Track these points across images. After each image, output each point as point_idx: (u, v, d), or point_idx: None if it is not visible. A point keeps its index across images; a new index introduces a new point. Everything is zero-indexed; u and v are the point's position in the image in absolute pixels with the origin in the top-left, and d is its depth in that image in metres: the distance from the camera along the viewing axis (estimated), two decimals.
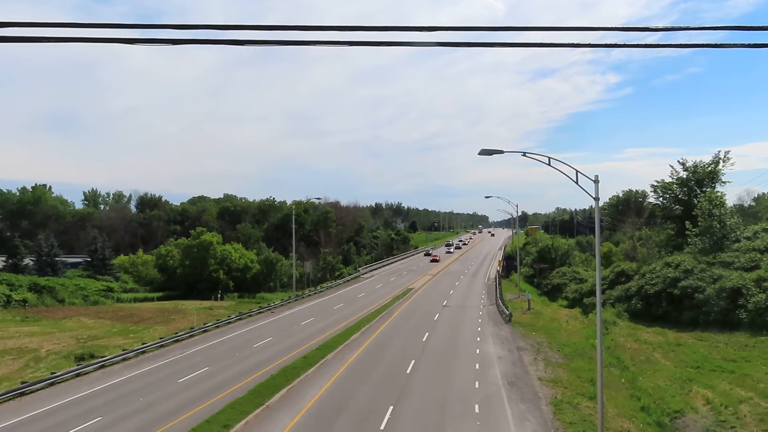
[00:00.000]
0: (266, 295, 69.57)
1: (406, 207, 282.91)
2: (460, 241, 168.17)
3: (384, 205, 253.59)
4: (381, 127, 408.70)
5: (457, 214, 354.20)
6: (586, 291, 58.77)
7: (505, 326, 43.61)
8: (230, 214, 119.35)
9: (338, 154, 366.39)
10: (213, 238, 75.13)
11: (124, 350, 34.34)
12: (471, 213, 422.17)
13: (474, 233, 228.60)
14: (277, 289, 75.80)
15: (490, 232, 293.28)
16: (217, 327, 44.41)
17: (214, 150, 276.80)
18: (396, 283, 73.65)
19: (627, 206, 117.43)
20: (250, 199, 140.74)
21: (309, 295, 64.73)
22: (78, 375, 29.53)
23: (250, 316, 50.09)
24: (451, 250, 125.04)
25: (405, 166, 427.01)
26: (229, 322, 46.53)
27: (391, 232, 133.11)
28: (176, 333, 40.48)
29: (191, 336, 40.55)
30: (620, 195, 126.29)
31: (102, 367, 31.25)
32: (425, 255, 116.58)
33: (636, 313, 47.01)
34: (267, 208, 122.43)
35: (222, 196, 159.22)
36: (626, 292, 50.18)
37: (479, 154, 20.33)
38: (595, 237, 22.27)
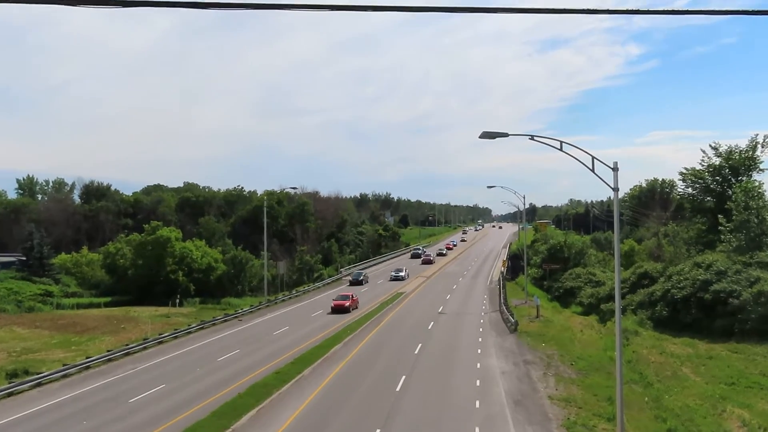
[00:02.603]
0: (233, 300, 69.66)
1: (395, 198, 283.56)
2: (452, 243, 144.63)
3: (370, 196, 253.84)
4: (366, 106, 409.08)
5: (455, 206, 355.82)
6: (604, 295, 59.03)
7: (510, 336, 43.79)
8: (191, 206, 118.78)
9: (317, 136, 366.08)
10: (171, 233, 74.58)
11: (64, 365, 34.11)
12: (471, 205, 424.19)
13: (466, 231, 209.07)
14: (246, 293, 75.61)
15: (494, 225, 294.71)
16: (176, 338, 44.32)
17: (173, 131, 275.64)
18: (384, 286, 74.09)
19: (651, 198, 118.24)
20: (215, 189, 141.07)
21: (283, 300, 64.90)
22: (10, 395, 29.29)
23: (214, 324, 50.16)
24: (431, 258, 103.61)
25: (394, 150, 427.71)
26: (190, 332, 46.46)
27: (379, 228, 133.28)
28: (127, 345, 40.33)
29: (145, 348, 40.41)
30: (643, 185, 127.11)
31: (38, 385, 31.01)
32: (413, 257, 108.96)
33: (661, 321, 47.39)
34: (234, 199, 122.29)
35: (182, 185, 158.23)
36: (650, 297, 50.54)
37: (480, 137, 20.30)
38: (613, 233, 22.23)
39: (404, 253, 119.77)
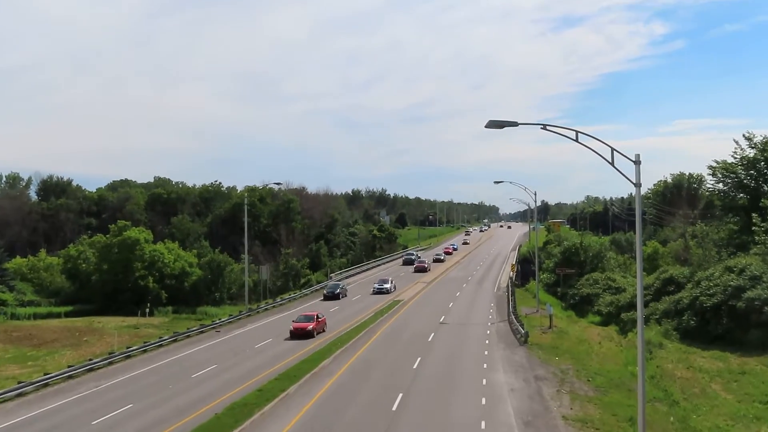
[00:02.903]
0: (210, 309, 69.93)
1: (391, 195, 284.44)
2: (452, 246, 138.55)
3: (363, 193, 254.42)
4: (358, 92, 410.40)
5: (458, 204, 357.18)
6: (625, 303, 59.22)
7: (520, 349, 43.99)
8: (163, 204, 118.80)
9: (303, 125, 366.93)
10: (140, 234, 74.59)
11: (20, 383, 33.99)
12: (476, 203, 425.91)
13: (469, 232, 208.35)
14: (225, 301, 76.05)
15: (501, 225, 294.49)
16: (145, 351, 44.28)
17: (142, 120, 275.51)
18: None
19: (677, 194, 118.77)
20: (189, 184, 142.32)
21: (266, 309, 65.15)
22: None
23: (189, 336, 50.23)
24: (426, 265, 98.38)
25: (390, 142, 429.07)
26: (161, 345, 46.44)
27: (373, 228, 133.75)
28: (90, 360, 40.12)
29: (110, 363, 40.33)
30: (668, 180, 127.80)
31: None
32: (404, 263, 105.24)
33: (688, 332, 47.52)
34: (211, 195, 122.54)
35: (152, 180, 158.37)
36: (676, 305, 50.73)
37: (486, 126, 20.32)
38: (635, 234, 22.31)
39: (401, 256, 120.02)
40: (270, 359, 40.79)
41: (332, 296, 71.14)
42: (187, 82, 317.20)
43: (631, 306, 55.88)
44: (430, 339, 47.70)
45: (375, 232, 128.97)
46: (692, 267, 58.11)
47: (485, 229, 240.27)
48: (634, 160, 19.95)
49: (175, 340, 48.23)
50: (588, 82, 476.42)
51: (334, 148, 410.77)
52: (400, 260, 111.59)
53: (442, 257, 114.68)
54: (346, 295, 73.11)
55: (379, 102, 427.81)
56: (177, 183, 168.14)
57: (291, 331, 48.77)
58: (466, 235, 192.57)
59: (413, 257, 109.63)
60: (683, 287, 53.28)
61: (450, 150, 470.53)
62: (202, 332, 52.05)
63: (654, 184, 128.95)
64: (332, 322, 53.99)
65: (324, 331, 50.95)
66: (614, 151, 19.97)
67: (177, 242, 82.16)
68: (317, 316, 51.19)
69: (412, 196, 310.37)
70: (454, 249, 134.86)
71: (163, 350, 45.08)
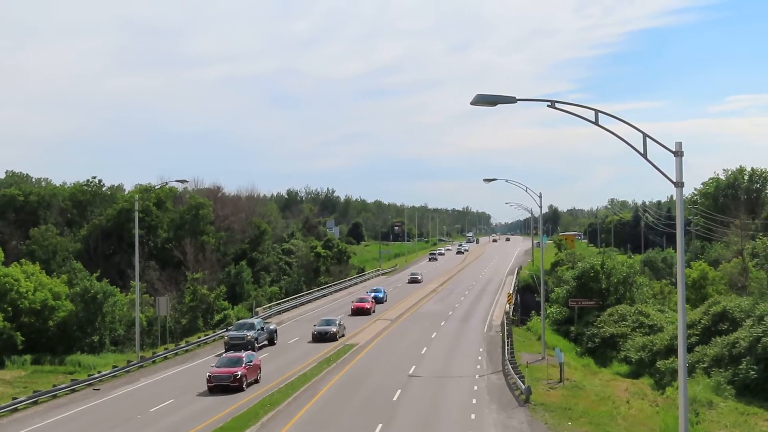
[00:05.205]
0: (86, 358, 68.59)
1: (341, 197, 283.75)
2: (372, 295, 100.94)
3: (303, 194, 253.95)
4: (296, 52, 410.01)
5: (435, 210, 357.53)
6: (662, 347, 59.50)
7: (519, 411, 43.93)
8: (18, 210, 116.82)
9: (218, 100, 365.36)
10: None
11: None
12: (460, 209, 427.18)
13: (434, 256, 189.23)
14: (107, 347, 74.80)
15: (495, 238, 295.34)
16: None
17: None
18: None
19: (732, 197, 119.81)
20: (56, 183, 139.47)
21: (165, 357, 64.41)
22: None
23: (56, 397, 49.31)
24: (331, 330, 73.22)
25: (339, 123, 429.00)
26: (15, 410, 45.48)
27: (317, 243, 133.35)
28: None
29: None
30: (720, 177, 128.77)
31: None
32: (364, 296, 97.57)
33: (747, 387, 47.92)
34: (88, 198, 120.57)
35: (2, 177, 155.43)
36: (731, 350, 51.11)
37: (473, 103, 20.39)
38: (676, 252, 22.33)
39: (359, 282, 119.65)
40: (172, 429, 40.29)
41: (237, 344, 62.95)
42: (54, 36, 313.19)
43: (671, 351, 55.84)
44: (395, 398, 47.53)
45: (319, 249, 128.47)
46: (752, 297, 58.76)
47: (464, 250, 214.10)
48: (674, 150, 20.04)
49: (35, 403, 47.14)
50: (611, 42, 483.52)
51: (262, 132, 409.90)
52: (373, 277, 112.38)
53: (368, 304, 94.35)
54: (273, 342, 69.90)
55: (325, 67, 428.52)
56: (38, 180, 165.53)
57: (208, 384, 48.66)
58: (431, 257, 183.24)
59: (370, 297, 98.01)
60: (740, 325, 53.82)
61: (423, 135, 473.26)
62: (74, 390, 51.20)
63: (702, 184, 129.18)
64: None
65: (258, 381, 51.27)
66: (647, 138, 20.02)
67: (38, 264, 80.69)
68: (245, 359, 50.67)
69: (370, 200, 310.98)
70: (374, 299, 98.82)
71: (17, 418, 44.09)
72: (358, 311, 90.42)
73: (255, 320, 71.49)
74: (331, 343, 69.89)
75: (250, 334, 65.05)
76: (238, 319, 76.26)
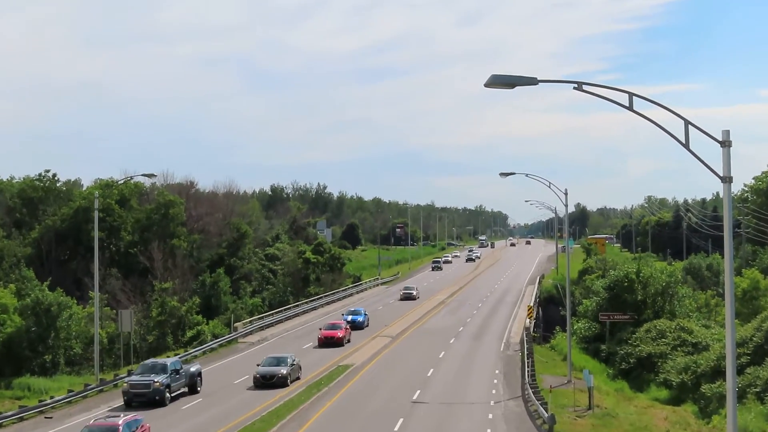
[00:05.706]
0: (36, 381, 68.65)
1: (335, 194, 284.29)
2: (348, 321, 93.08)
3: (290, 191, 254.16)
4: (280, 25, 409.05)
5: (444, 209, 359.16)
6: (707, 369, 60.05)
7: None
8: None
9: (191, 80, 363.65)
10: None
11: None
12: (472, 207, 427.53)
13: (440, 263, 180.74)
14: (61, 368, 74.85)
15: (513, 242, 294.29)
16: None
17: None
18: (314, 355, 74.28)
19: None
20: (3, 177, 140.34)
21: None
22: None
23: (1, 427, 49.69)
24: (283, 372, 66.51)
25: (332, 108, 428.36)
26: None
27: (306, 248, 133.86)
28: None
29: None
30: None
31: None
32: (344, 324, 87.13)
33: None
34: (39, 195, 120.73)
35: None
36: None
37: (487, 85, 20.75)
38: (724, 258, 22.36)
39: (354, 294, 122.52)
40: None
41: (143, 395, 53.41)
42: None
43: (718, 373, 55.98)
44: (396, 429, 47.29)
45: (308, 254, 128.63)
46: None
47: (476, 257, 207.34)
48: (720, 139, 19.91)
49: None
50: (647, 15, 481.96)
51: (242, 118, 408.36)
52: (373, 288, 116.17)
53: (341, 332, 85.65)
54: (195, 389, 59.21)
55: (314, 42, 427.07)
56: None
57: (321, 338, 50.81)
58: (434, 265, 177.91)
59: (351, 320, 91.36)
60: None
61: (427, 123, 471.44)
62: (22, 419, 51.40)
63: (753, 179, 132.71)
64: (241, 399, 56.03)
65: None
66: (689, 126, 20.10)
67: None
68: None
69: (368, 197, 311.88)
70: (352, 323, 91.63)
71: None
72: (328, 342, 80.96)
73: (169, 360, 58.86)
74: (321, 360, 69.84)
75: (159, 380, 53.65)
76: (215, 336, 75.54)
